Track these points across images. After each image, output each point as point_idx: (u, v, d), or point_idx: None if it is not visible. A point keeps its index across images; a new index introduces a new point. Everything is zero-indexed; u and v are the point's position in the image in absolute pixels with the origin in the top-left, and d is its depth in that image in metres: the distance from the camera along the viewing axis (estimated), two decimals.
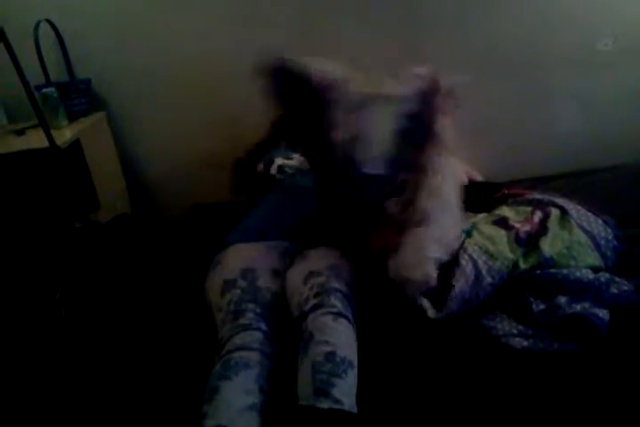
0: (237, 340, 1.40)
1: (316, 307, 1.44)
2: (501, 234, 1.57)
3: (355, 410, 1.25)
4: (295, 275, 1.62)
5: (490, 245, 1.54)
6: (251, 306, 1.49)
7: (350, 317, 1.45)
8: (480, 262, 1.50)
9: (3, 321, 1.75)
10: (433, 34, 2.39)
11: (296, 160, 2.08)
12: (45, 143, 1.82)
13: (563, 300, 1.43)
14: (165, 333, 1.61)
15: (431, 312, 1.48)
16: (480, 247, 1.54)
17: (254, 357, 1.36)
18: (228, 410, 1.24)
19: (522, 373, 1.36)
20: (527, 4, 2.37)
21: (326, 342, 1.33)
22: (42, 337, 1.69)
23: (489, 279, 1.49)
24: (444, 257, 1.51)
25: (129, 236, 2.12)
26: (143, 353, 1.55)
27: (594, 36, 2.43)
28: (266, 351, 1.40)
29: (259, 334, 1.42)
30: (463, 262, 1.51)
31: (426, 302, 1.50)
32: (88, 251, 1.97)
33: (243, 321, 1.45)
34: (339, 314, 1.42)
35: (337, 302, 1.45)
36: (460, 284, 1.48)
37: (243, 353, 1.36)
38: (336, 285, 1.52)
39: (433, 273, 1.46)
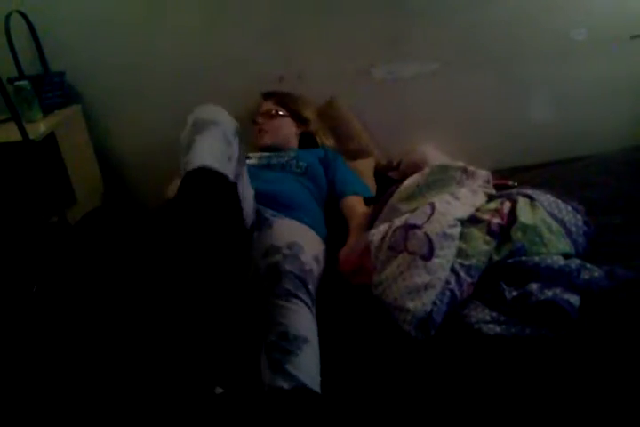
0: None
1: (268, 290, 1.45)
2: (472, 230, 1.56)
3: (317, 388, 1.26)
4: (258, 245, 1.63)
5: (462, 243, 1.53)
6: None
7: (305, 297, 1.45)
8: (456, 266, 1.48)
9: None
10: (414, 25, 2.41)
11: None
12: (19, 137, 1.80)
13: (535, 286, 1.43)
14: (141, 324, 1.60)
15: (415, 333, 1.43)
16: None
17: None
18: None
19: (494, 358, 1.36)
20: None
21: (279, 324, 1.36)
22: (18, 330, 1.68)
23: (469, 279, 1.48)
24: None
25: (104, 230, 2.10)
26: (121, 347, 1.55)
27: (569, 26, 2.45)
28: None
29: None
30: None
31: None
32: (63, 245, 1.95)
33: None
34: (290, 295, 1.42)
35: (289, 285, 1.44)
36: (442, 304, 1.44)
37: None
38: (289, 267, 1.50)
39: (429, 305, 1.42)
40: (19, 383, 1.52)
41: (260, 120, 2.28)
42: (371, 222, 1.79)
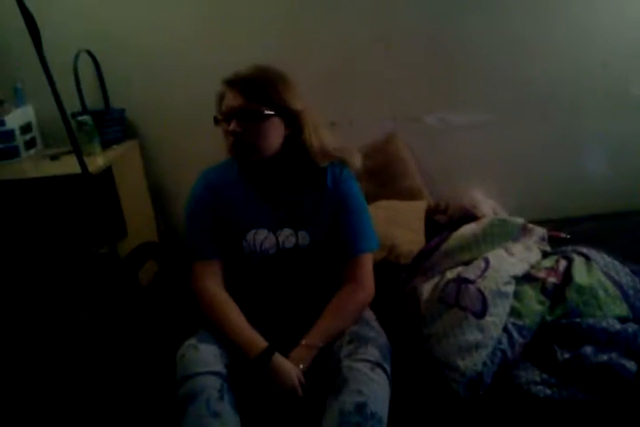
0: None
1: (352, 354, 1.33)
2: (526, 288, 1.54)
3: None
4: None
5: (516, 302, 1.51)
6: None
7: (388, 369, 1.34)
8: (509, 326, 1.46)
9: (29, 346, 1.78)
10: (470, 75, 2.43)
11: None
12: (78, 169, 1.85)
13: (589, 349, 1.40)
14: None
15: (464, 392, 1.40)
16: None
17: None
18: None
19: (543, 421, 1.33)
20: (568, 45, 2.40)
21: (359, 392, 1.24)
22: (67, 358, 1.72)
23: (521, 340, 1.46)
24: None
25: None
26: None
27: (628, 81, 2.44)
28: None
29: None
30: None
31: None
32: (112, 277, 1.99)
33: None
34: (376, 364, 1.31)
35: (375, 351, 1.34)
36: (492, 365, 1.42)
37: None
38: (372, 334, 1.42)
39: (480, 365, 1.40)
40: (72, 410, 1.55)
41: (234, 126, 1.42)
42: (417, 264, 1.77)
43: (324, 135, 1.53)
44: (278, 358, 1.36)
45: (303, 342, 1.41)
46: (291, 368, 1.35)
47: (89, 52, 2.30)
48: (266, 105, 1.42)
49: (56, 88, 1.69)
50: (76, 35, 2.34)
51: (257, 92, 1.42)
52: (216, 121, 1.48)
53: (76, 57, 2.21)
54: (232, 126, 1.42)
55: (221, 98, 1.48)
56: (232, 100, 1.43)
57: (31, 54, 1.61)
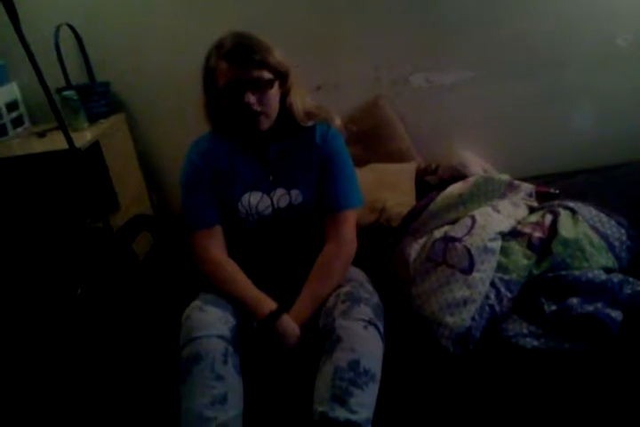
0: None
1: (345, 313, 1.36)
2: (512, 244, 1.55)
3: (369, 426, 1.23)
4: None
5: (502, 257, 1.52)
6: None
7: (381, 327, 1.37)
8: (496, 280, 1.48)
9: (24, 318, 1.81)
10: (453, 34, 2.39)
11: None
12: (66, 145, 1.85)
13: (575, 301, 1.42)
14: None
15: (453, 348, 1.43)
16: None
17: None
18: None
19: (532, 372, 1.36)
20: (550, 1, 2.36)
21: (352, 350, 1.28)
22: (63, 331, 1.75)
23: (509, 294, 1.48)
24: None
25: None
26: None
27: (614, 32, 2.40)
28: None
29: None
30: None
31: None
32: (106, 251, 2.01)
33: None
34: (369, 322, 1.34)
35: (368, 310, 1.37)
36: (481, 319, 1.44)
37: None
38: (365, 294, 1.43)
39: (468, 320, 1.42)
40: (63, 384, 1.59)
41: (251, 98, 1.44)
42: (405, 226, 1.79)
43: (304, 95, 1.58)
44: (285, 318, 1.41)
45: (294, 307, 1.45)
46: (294, 328, 1.40)
47: (70, 26, 2.27)
48: (269, 71, 1.45)
49: (37, 64, 1.68)
50: (56, 8, 2.31)
51: (260, 60, 1.43)
52: (218, 97, 1.49)
53: (57, 31, 2.18)
54: (249, 99, 1.43)
55: (212, 71, 1.48)
56: (236, 71, 1.43)
57: (12, 30, 1.60)
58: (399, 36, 2.39)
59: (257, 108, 1.45)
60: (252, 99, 1.43)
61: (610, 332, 1.36)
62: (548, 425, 1.29)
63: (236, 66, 1.42)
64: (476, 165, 2.25)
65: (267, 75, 1.44)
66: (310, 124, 1.57)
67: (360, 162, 2.26)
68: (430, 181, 2.31)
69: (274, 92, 1.48)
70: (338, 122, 1.64)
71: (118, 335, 1.70)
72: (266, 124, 1.49)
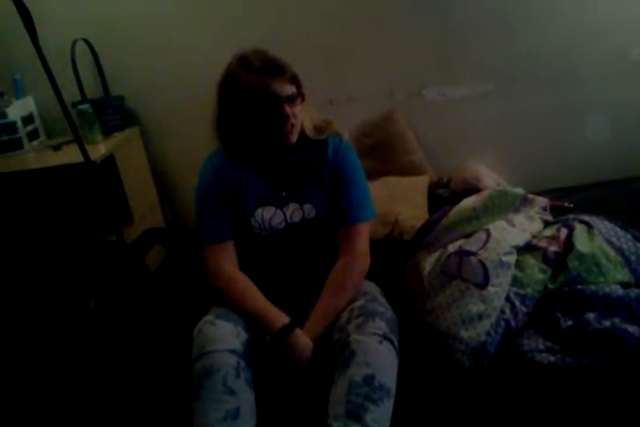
0: None
1: (360, 327, 1.35)
2: (527, 258, 1.54)
3: None
4: None
5: (517, 271, 1.51)
6: None
7: (395, 342, 1.36)
8: (511, 295, 1.47)
9: (38, 330, 1.82)
10: (467, 47, 2.41)
11: None
12: (81, 158, 1.87)
13: (591, 316, 1.40)
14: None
15: (468, 363, 1.42)
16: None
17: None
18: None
19: (548, 388, 1.35)
20: (564, 15, 2.37)
21: (367, 364, 1.27)
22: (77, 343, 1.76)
23: (524, 309, 1.47)
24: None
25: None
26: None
27: (629, 46, 2.41)
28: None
29: None
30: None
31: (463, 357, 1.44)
32: (120, 263, 2.01)
33: None
34: (384, 337, 1.33)
35: (382, 325, 1.36)
36: (496, 334, 1.43)
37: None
38: (379, 308, 1.42)
39: (483, 335, 1.41)
40: (76, 396, 1.59)
41: (292, 112, 1.47)
42: (419, 239, 1.78)
43: (313, 110, 1.59)
44: (298, 332, 1.40)
45: (308, 322, 1.44)
46: (308, 343, 1.40)
47: (86, 41, 2.30)
48: (296, 86, 1.49)
49: (54, 78, 1.70)
50: (73, 23, 2.35)
51: (291, 75, 1.47)
52: (239, 112, 1.48)
53: (73, 46, 2.21)
54: (287, 112, 1.45)
55: (239, 87, 1.45)
56: (272, 86, 1.43)
57: (28, 45, 1.62)
58: (413, 49, 2.41)
59: (293, 121, 1.47)
60: (290, 112, 1.45)
61: (628, 347, 1.34)
62: None
63: (271, 81, 1.43)
64: (490, 178, 2.24)
65: (295, 89, 1.48)
66: (321, 137, 1.58)
67: (373, 175, 2.26)
68: (442, 195, 2.31)
69: (300, 107, 1.50)
70: (346, 136, 1.67)
71: (131, 349, 1.70)
72: (295, 137, 1.51)
